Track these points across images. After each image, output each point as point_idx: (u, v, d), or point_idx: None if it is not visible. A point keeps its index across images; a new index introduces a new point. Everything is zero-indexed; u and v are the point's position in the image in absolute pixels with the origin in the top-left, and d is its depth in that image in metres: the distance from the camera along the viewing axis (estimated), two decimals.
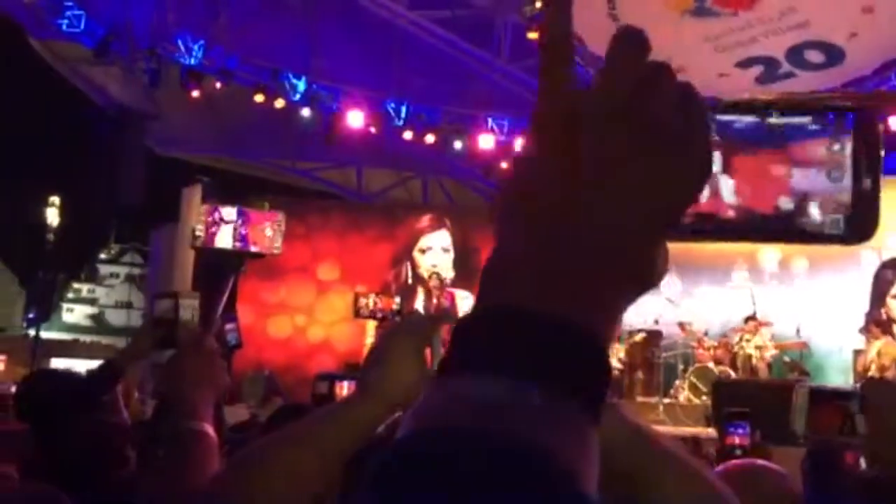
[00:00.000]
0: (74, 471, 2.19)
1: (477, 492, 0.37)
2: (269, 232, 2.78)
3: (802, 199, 0.58)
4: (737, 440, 4.11)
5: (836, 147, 0.57)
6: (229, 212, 2.74)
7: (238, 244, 2.61)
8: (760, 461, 1.64)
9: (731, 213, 0.57)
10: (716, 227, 0.58)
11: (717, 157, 0.56)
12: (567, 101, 0.49)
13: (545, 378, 0.41)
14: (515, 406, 0.40)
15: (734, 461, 1.71)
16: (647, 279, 0.48)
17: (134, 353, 3.08)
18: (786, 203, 0.58)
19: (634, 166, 0.47)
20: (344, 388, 7.60)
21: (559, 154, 0.47)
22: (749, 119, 0.59)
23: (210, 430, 1.43)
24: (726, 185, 0.58)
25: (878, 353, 10.25)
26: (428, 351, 1.12)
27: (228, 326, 2.46)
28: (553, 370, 0.41)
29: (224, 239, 2.53)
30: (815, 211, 0.57)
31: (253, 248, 2.73)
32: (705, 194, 0.55)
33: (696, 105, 0.49)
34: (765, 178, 0.59)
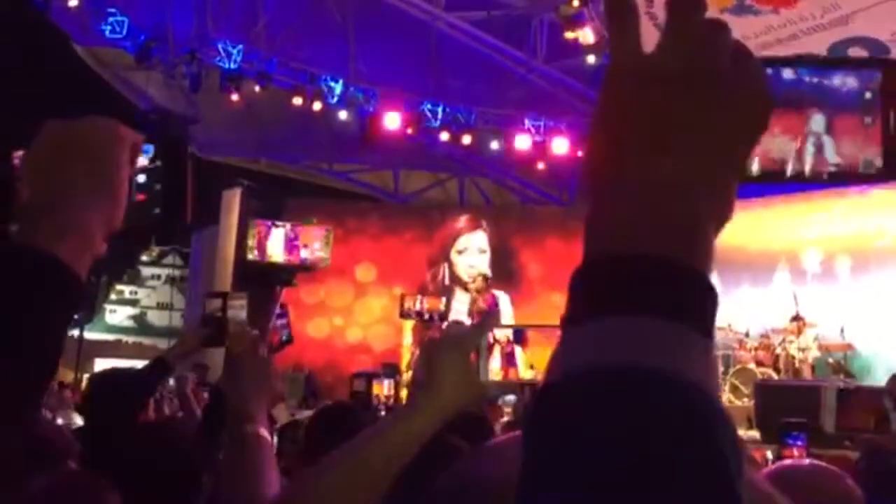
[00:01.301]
0: (132, 467, 2.23)
1: (646, 418, 0.42)
2: (317, 245, 2.84)
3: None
4: (795, 452, 4.05)
5: (868, 95, 0.63)
6: (280, 226, 2.81)
7: (289, 257, 2.67)
8: (816, 461, 1.61)
9: (831, 169, 0.62)
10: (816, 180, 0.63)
11: (821, 118, 0.60)
12: (636, 61, 0.54)
13: (678, 315, 0.46)
14: (660, 341, 0.45)
15: (788, 462, 1.69)
16: (726, 216, 0.53)
17: (183, 350, 3.14)
18: (879, 161, 0.63)
19: (701, 116, 0.52)
20: (384, 387, 7.63)
21: (635, 112, 0.52)
22: (851, 84, 0.63)
23: (266, 433, 1.49)
24: (830, 146, 0.62)
25: None
26: (474, 357, 1.15)
27: (280, 322, 2.49)
28: (683, 307, 0.46)
29: (275, 251, 2.58)
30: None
31: (304, 260, 2.79)
32: (811, 154, 0.61)
33: (749, 58, 0.54)
34: (865, 139, 0.63)
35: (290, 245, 2.39)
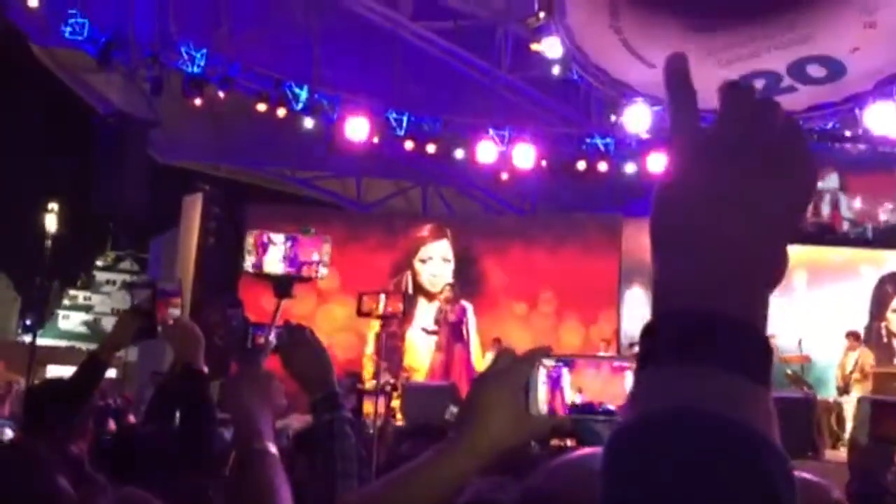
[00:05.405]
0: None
1: (704, 460, 0.48)
2: (315, 256, 2.79)
3: None
4: None
5: None
6: (277, 237, 2.76)
7: (289, 269, 2.63)
8: (803, 474, 1.61)
9: (846, 225, 0.66)
10: (833, 238, 0.68)
11: (835, 177, 0.65)
12: (696, 134, 0.59)
13: (741, 368, 0.52)
14: (725, 391, 0.51)
15: None
16: (779, 275, 0.58)
17: (115, 344, 3.05)
18: (884, 216, 0.67)
19: (757, 186, 0.57)
20: (377, 405, 7.33)
21: (697, 180, 0.58)
22: (862, 147, 0.67)
23: (273, 448, 1.47)
24: (844, 201, 0.66)
25: (857, 363, 10.38)
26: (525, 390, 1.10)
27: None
28: (744, 362, 0.52)
29: (273, 263, 2.53)
30: None
31: (303, 273, 2.75)
32: (827, 208, 0.65)
33: (797, 133, 0.60)
34: (874, 196, 0.68)
35: (290, 261, 2.37)
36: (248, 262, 2.25)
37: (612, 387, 7.92)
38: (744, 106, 0.59)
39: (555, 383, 1.16)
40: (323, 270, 2.29)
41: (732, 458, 0.48)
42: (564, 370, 1.19)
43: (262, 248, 2.25)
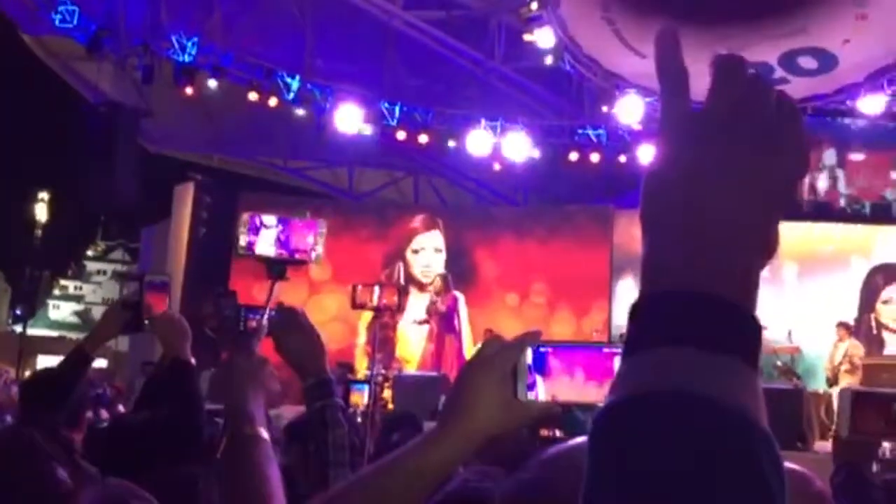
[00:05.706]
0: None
1: (693, 441, 0.48)
2: (310, 239, 2.78)
3: None
4: None
5: None
6: (269, 219, 2.75)
7: (281, 251, 2.62)
8: (786, 464, 1.61)
9: (842, 202, 0.66)
10: (831, 214, 0.66)
11: (832, 153, 0.64)
12: (688, 120, 0.58)
13: (725, 347, 0.51)
14: (708, 371, 0.50)
15: None
16: (770, 252, 0.57)
17: (101, 336, 3.04)
18: (890, 194, 0.66)
19: (748, 163, 0.56)
20: (363, 396, 7.41)
21: (688, 162, 0.57)
22: (862, 123, 0.66)
23: (265, 434, 1.47)
24: (841, 177, 0.66)
25: (846, 354, 10.41)
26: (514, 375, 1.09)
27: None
28: (729, 341, 0.52)
29: (265, 246, 2.52)
30: None
31: (296, 256, 2.73)
32: (824, 184, 0.64)
33: (790, 109, 0.59)
34: (874, 172, 0.67)
35: (282, 244, 2.37)
36: (241, 243, 2.25)
37: (588, 394, 7.87)
38: (736, 79, 0.58)
39: (528, 391, 1.14)
40: (317, 253, 2.28)
41: (722, 440, 0.48)
42: (538, 378, 1.18)
43: (254, 230, 2.25)
